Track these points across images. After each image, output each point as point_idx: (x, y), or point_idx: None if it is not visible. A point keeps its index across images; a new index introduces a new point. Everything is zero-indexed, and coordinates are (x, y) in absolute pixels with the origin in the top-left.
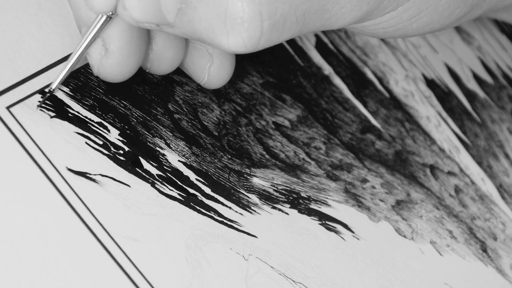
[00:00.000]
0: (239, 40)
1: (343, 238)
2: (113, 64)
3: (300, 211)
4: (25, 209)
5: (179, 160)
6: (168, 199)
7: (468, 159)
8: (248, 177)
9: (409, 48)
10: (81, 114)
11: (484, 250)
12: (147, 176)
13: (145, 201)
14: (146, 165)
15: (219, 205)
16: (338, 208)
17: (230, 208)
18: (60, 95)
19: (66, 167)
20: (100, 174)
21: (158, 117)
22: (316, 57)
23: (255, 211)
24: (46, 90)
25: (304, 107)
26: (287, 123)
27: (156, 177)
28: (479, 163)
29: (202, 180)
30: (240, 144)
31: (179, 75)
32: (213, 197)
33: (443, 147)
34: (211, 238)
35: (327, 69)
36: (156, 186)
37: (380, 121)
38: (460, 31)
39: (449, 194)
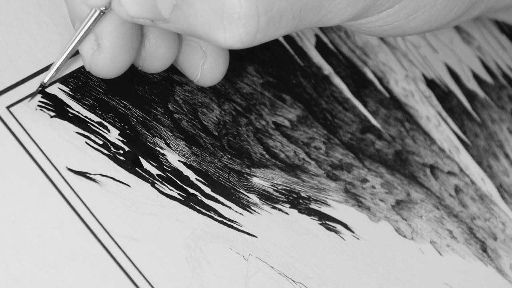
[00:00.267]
0: (236, 35)
1: (343, 238)
2: (105, 59)
3: (300, 211)
4: (25, 209)
5: (179, 160)
6: (168, 199)
7: (468, 159)
8: (248, 177)
9: (409, 48)
10: (81, 114)
11: (484, 250)
12: (147, 176)
13: (145, 201)
14: (146, 165)
15: (219, 205)
16: (338, 208)
17: (230, 208)
18: (60, 95)
19: (66, 167)
20: (100, 174)
21: (158, 117)
22: (316, 57)
23: (255, 211)
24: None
25: (304, 107)
26: (287, 123)
27: (156, 177)
28: (479, 163)
29: (202, 180)
30: (240, 144)
31: (179, 75)
32: (213, 197)
33: (443, 147)
34: (211, 238)
35: (327, 69)
36: (156, 186)
37: (380, 121)
38: (460, 31)
39: (449, 194)
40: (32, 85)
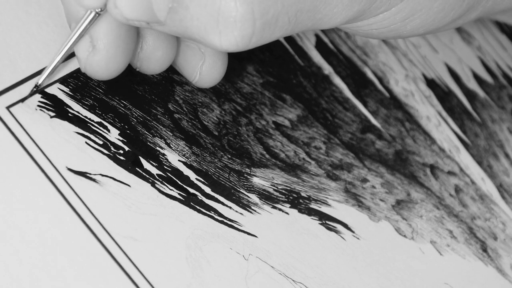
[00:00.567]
0: (231, 39)
1: (343, 238)
2: (99, 61)
3: (300, 211)
4: (25, 209)
5: (179, 160)
6: (168, 199)
7: (468, 158)
8: (248, 176)
9: (409, 48)
10: (81, 114)
11: (484, 250)
12: (147, 176)
13: (145, 201)
14: (146, 164)
15: (219, 204)
16: (338, 208)
17: (230, 207)
18: (60, 95)
19: (66, 167)
20: (100, 174)
21: (158, 116)
22: (316, 57)
23: (255, 210)
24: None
25: (304, 106)
26: (287, 123)
27: (156, 176)
28: (479, 163)
29: (202, 180)
30: (240, 144)
31: (179, 75)
32: (213, 196)
33: (443, 146)
34: (211, 238)
35: (327, 69)
36: (156, 185)
37: (380, 121)
38: (460, 31)
39: (449, 194)
40: (32, 86)
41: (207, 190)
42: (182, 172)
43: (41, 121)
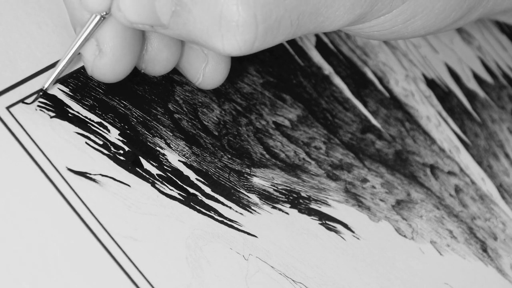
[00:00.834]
0: (234, 43)
1: (343, 238)
2: (106, 64)
3: (300, 211)
4: (25, 209)
5: (179, 160)
6: (168, 199)
7: (468, 159)
8: (248, 176)
9: (409, 48)
10: (81, 114)
11: (484, 250)
12: (147, 176)
13: (145, 201)
14: (146, 165)
15: (219, 204)
16: (338, 208)
17: (230, 208)
18: (60, 95)
19: (66, 167)
20: (100, 174)
21: (158, 117)
22: (316, 57)
23: (255, 211)
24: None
25: (304, 106)
26: (287, 123)
27: (156, 176)
28: (479, 163)
29: (202, 180)
30: (240, 144)
31: (179, 75)
32: (213, 196)
33: (443, 147)
34: (211, 238)
35: (327, 69)
36: (156, 185)
37: (380, 121)
38: (460, 31)
39: (449, 194)
40: (32, 86)
41: (207, 190)
42: (182, 172)
43: (41, 121)
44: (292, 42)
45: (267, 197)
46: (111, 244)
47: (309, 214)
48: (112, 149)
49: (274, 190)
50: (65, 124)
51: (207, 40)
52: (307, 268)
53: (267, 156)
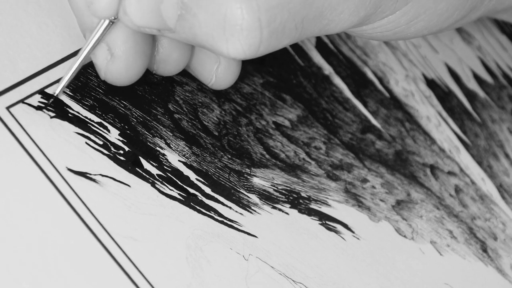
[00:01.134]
0: (238, 47)
1: (343, 238)
2: (119, 68)
3: (300, 211)
4: (25, 209)
5: (179, 160)
6: (168, 199)
7: (468, 159)
8: (248, 177)
9: (409, 48)
10: (81, 114)
11: (484, 250)
12: (147, 176)
13: (145, 201)
14: (146, 165)
15: (219, 205)
16: (338, 208)
17: (230, 208)
18: (60, 95)
19: (66, 167)
20: (100, 174)
21: (158, 117)
22: (316, 57)
23: (255, 211)
24: (50, 93)
25: (304, 107)
26: (287, 123)
27: (156, 177)
28: (479, 163)
29: (202, 180)
30: (240, 144)
31: (179, 75)
32: (213, 197)
33: (443, 147)
34: (211, 238)
35: (327, 69)
36: (156, 186)
37: (380, 121)
38: (460, 31)
39: (449, 194)
40: (32, 86)
41: (207, 190)
42: (182, 172)
43: (41, 121)
44: None
45: (267, 197)
46: (111, 244)
47: (309, 214)
48: (112, 149)
49: (274, 190)
50: (65, 124)
51: (212, 44)
52: (307, 268)
53: (267, 156)
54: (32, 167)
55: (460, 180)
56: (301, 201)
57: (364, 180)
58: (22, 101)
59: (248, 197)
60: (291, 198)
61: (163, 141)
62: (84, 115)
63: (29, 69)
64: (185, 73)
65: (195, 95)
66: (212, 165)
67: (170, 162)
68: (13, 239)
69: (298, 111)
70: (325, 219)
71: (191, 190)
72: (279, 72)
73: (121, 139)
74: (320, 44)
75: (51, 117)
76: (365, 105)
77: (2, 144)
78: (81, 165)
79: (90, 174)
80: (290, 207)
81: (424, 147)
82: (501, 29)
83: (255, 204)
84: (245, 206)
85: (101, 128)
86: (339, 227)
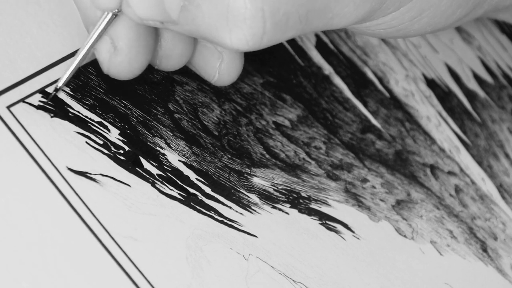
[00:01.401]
0: (241, 37)
1: (343, 238)
2: (122, 61)
3: (300, 211)
4: (25, 209)
5: (179, 160)
6: (168, 199)
7: (468, 159)
8: (248, 176)
9: (409, 48)
10: (82, 114)
11: (485, 250)
12: (147, 176)
13: (145, 200)
14: (146, 164)
15: (219, 204)
16: (338, 208)
17: (230, 207)
18: (60, 94)
19: (67, 167)
20: (101, 174)
21: (158, 116)
22: (316, 57)
23: (255, 210)
24: (52, 88)
25: (304, 106)
26: (287, 123)
27: (156, 176)
28: (479, 163)
29: (202, 180)
30: (240, 144)
31: (180, 75)
32: (213, 196)
33: (443, 147)
34: (211, 238)
35: (327, 69)
36: (156, 185)
37: (380, 121)
38: (460, 31)
39: (449, 194)
40: (32, 85)
41: (207, 190)
42: (182, 172)
43: (41, 121)
44: (292, 42)
45: (267, 197)
46: (111, 244)
47: (309, 214)
48: (112, 149)
49: (274, 190)
50: (66, 123)
51: (215, 35)
52: (307, 268)
53: (267, 156)
54: (32, 166)
55: (460, 180)
56: (301, 201)
57: (364, 180)
58: (22, 100)
59: (248, 197)
60: (291, 198)
61: (163, 141)
62: (84, 114)
63: (30, 69)
64: (186, 73)
65: (195, 95)
66: (212, 165)
67: (170, 162)
68: (13, 239)
69: (298, 111)
70: (325, 219)
71: (191, 190)
72: (279, 72)
73: (121, 138)
74: (320, 44)
75: (52, 117)
76: (365, 105)
77: (3, 144)
78: (81, 165)
79: (90, 173)
80: (290, 207)
81: (424, 147)
82: (501, 29)
83: (255, 204)
84: (245, 206)
85: (101, 128)
86: (339, 227)
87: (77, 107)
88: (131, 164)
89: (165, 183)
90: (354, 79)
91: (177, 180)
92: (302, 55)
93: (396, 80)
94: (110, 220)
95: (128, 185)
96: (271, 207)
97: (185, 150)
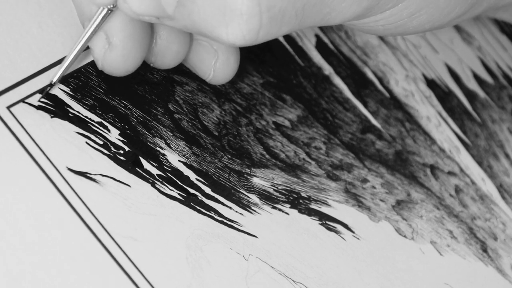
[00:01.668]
0: (238, 32)
1: (343, 238)
2: (116, 57)
3: (300, 211)
4: (25, 209)
5: (179, 160)
6: (168, 199)
7: (468, 159)
8: (248, 177)
9: (409, 48)
10: (82, 114)
11: (485, 250)
12: (147, 176)
13: (145, 201)
14: (146, 165)
15: (219, 205)
16: (338, 208)
17: (230, 208)
18: (60, 95)
19: (67, 167)
20: (101, 174)
21: (158, 117)
22: (316, 57)
23: (255, 211)
24: (47, 83)
25: (304, 107)
26: (287, 123)
27: (156, 177)
28: (479, 163)
29: (202, 180)
30: (240, 144)
31: (180, 75)
32: (213, 197)
33: (443, 147)
34: (211, 238)
35: (328, 69)
36: (156, 186)
37: (381, 121)
38: (460, 31)
39: (449, 194)
40: (32, 85)
41: (207, 190)
42: (182, 172)
43: (41, 121)
44: (292, 42)
45: (267, 197)
46: (111, 244)
47: (309, 214)
48: (112, 149)
49: (274, 190)
50: (66, 124)
51: (211, 30)
52: (307, 268)
53: (267, 156)
54: (32, 166)
55: (460, 180)
56: (301, 201)
57: (364, 180)
58: (22, 100)
59: (248, 197)
60: (291, 198)
61: (163, 141)
62: (84, 114)
63: (30, 69)
64: (185, 73)
65: (195, 95)
66: (212, 165)
67: (170, 162)
68: (13, 238)
69: (298, 111)
70: (325, 219)
71: (191, 190)
72: (279, 72)
73: (121, 139)
74: (320, 44)
75: (52, 117)
76: (365, 105)
77: (3, 144)
78: (81, 165)
79: (90, 174)
80: (290, 207)
81: (424, 147)
82: (501, 29)
83: (255, 204)
84: (245, 206)
85: (101, 128)
86: (339, 227)
87: (77, 108)
88: (131, 164)
89: (165, 183)
90: (354, 79)
91: (177, 181)
92: (302, 55)
93: (396, 80)
94: (110, 220)
95: (128, 185)
96: (271, 207)
97: (185, 150)
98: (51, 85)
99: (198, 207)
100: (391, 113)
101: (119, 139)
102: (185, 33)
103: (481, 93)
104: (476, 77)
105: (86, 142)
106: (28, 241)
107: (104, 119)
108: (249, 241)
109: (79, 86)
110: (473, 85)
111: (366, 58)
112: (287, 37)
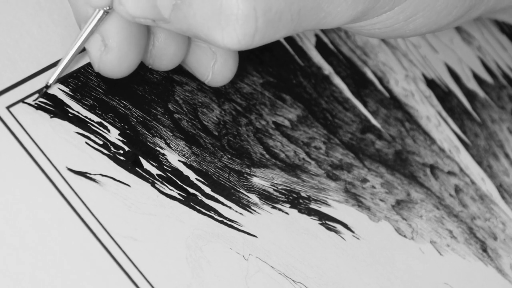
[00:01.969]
0: (233, 36)
1: (343, 238)
2: (113, 59)
3: (300, 211)
4: (25, 209)
5: (179, 160)
6: (168, 199)
7: (468, 159)
8: (248, 176)
9: (409, 48)
10: (81, 114)
11: (484, 250)
12: (147, 176)
13: (145, 201)
14: (146, 165)
15: (219, 204)
16: (338, 208)
17: (230, 207)
18: (60, 95)
19: (66, 167)
20: (100, 174)
21: (158, 117)
22: (316, 57)
23: (255, 211)
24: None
25: (304, 107)
26: (287, 123)
27: (156, 176)
28: (479, 163)
29: (202, 180)
30: (240, 144)
31: (179, 75)
32: (213, 196)
33: (443, 147)
34: (211, 238)
35: (327, 69)
36: (156, 185)
37: (380, 121)
38: (460, 31)
39: (449, 194)
40: (32, 85)
41: (207, 190)
42: (182, 172)
43: (41, 121)
44: (292, 42)
45: (267, 197)
46: (111, 244)
47: (309, 214)
48: (112, 149)
49: (274, 190)
50: (65, 124)
51: (207, 34)
52: (307, 268)
53: (267, 156)
54: (32, 167)
55: (460, 180)
56: (301, 201)
57: (364, 180)
58: (22, 100)
59: (248, 197)
60: (291, 198)
61: (163, 141)
62: (84, 114)
63: (29, 69)
64: (185, 73)
65: (195, 95)
66: (212, 165)
67: (170, 162)
68: (13, 239)
69: (298, 111)
70: (325, 219)
71: (191, 190)
72: (279, 72)
73: (121, 139)
74: (320, 44)
75: (51, 117)
76: (365, 105)
77: (2, 144)
78: (81, 165)
79: (90, 174)
80: (290, 207)
81: (424, 147)
82: (501, 29)
83: (255, 204)
84: (245, 206)
85: (101, 128)
86: (339, 227)
87: (76, 108)
88: (131, 164)
89: (165, 183)
90: (354, 79)
91: (177, 180)
92: (302, 55)
93: (396, 80)
94: (110, 220)
95: (128, 185)
96: (271, 207)
97: (185, 150)
98: (47, 86)
99: (198, 207)
100: (391, 113)
101: (118, 139)
102: (183, 35)
103: (481, 93)
104: (476, 77)
105: (86, 142)
106: (28, 241)
107: (104, 119)
108: (249, 241)
109: (79, 86)
110: (473, 85)
111: (366, 58)
112: (287, 37)
